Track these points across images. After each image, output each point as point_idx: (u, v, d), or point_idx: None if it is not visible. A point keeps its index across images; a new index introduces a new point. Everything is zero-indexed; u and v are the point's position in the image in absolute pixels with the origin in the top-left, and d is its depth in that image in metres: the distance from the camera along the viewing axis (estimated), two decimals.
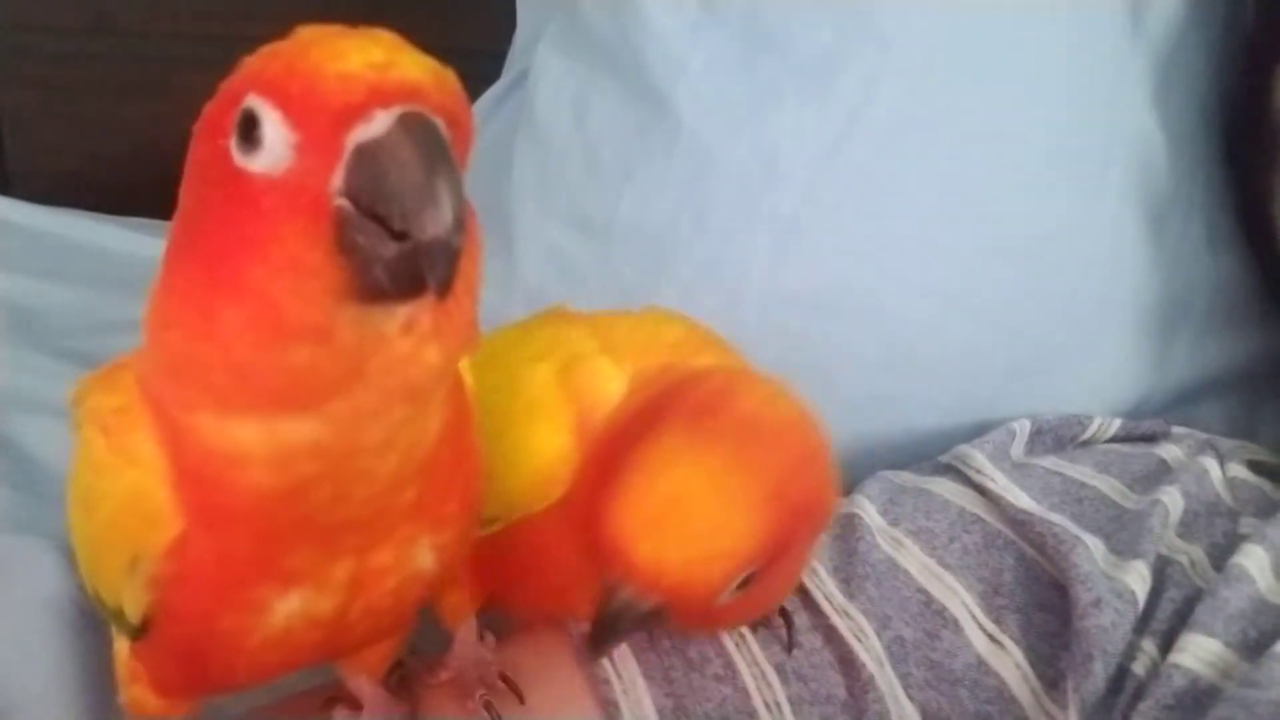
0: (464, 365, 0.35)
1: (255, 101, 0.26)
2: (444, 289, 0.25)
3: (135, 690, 0.36)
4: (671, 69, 0.63)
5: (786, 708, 0.42)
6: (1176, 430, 0.58)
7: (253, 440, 0.28)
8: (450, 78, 0.27)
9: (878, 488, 0.52)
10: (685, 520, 0.32)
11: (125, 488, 0.31)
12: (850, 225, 0.60)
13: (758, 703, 0.42)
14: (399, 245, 0.25)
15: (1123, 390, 0.62)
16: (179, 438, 0.29)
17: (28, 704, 0.49)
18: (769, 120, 0.61)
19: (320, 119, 0.25)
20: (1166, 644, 0.40)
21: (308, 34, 0.27)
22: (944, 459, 0.56)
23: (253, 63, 0.27)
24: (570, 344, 0.42)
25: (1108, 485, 0.50)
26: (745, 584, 0.34)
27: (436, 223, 0.24)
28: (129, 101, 1.14)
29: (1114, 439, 0.58)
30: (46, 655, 0.50)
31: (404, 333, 0.27)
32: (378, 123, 0.25)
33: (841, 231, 0.60)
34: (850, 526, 0.49)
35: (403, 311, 0.27)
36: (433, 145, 0.25)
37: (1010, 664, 0.42)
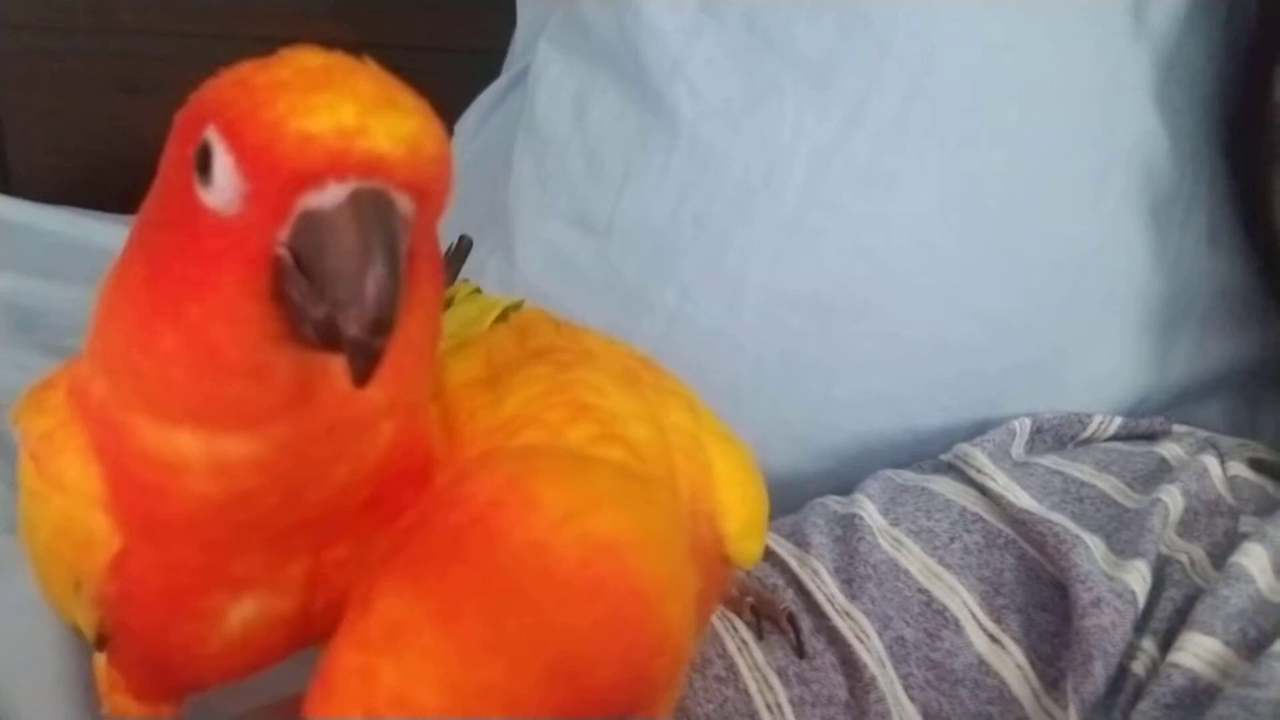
0: None
1: (213, 135, 0.24)
2: (361, 382, 0.24)
3: (116, 699, 0.36)
4: (670, 68, 0.63)
5: (788, 709, 0.42)
6: (1177, 428, 0.58)
7: (191, 450, 0.27)
8: (428, 141, 0.25)
9: (878, 487, 0.52)
10: None
11: (55, 514, 0.30)
12: (850, 225, 0.60)
13: (759, 704, 0.42)
14: (327, 310, 0.24)
15: (1123, 388, 0.62)
16: (117, 443, 0.29)
17: (31, 707, 0.49)
18: (769, 120, 0.61)
19: (272, 178, 0.24)
20: (1166, 643, 0.40)
21: (287, 70, 0.25)
22: (945, 458, 0.56)
23: (226, 84, 0.25)
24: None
25: (1108, 484, 0.50)
26: None
27: (360, 322, 0.23)
28: (130, 100, 1.15)
29: (1114, 437, 0.58)
30: (50, 657, 0.50)
31: (345, 371, 0.25)
32: (329, 194, 0.24)
33: (841, 231, 0.60)
34: (851, 527, 0.49)
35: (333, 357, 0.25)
36: (375, 234, 0.23)
37: (1011, 664, 0.42)
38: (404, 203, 0.24)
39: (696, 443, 0.36)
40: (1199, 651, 0.39)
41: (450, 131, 0.31)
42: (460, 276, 0.53)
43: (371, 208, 0.24)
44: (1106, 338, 0.61)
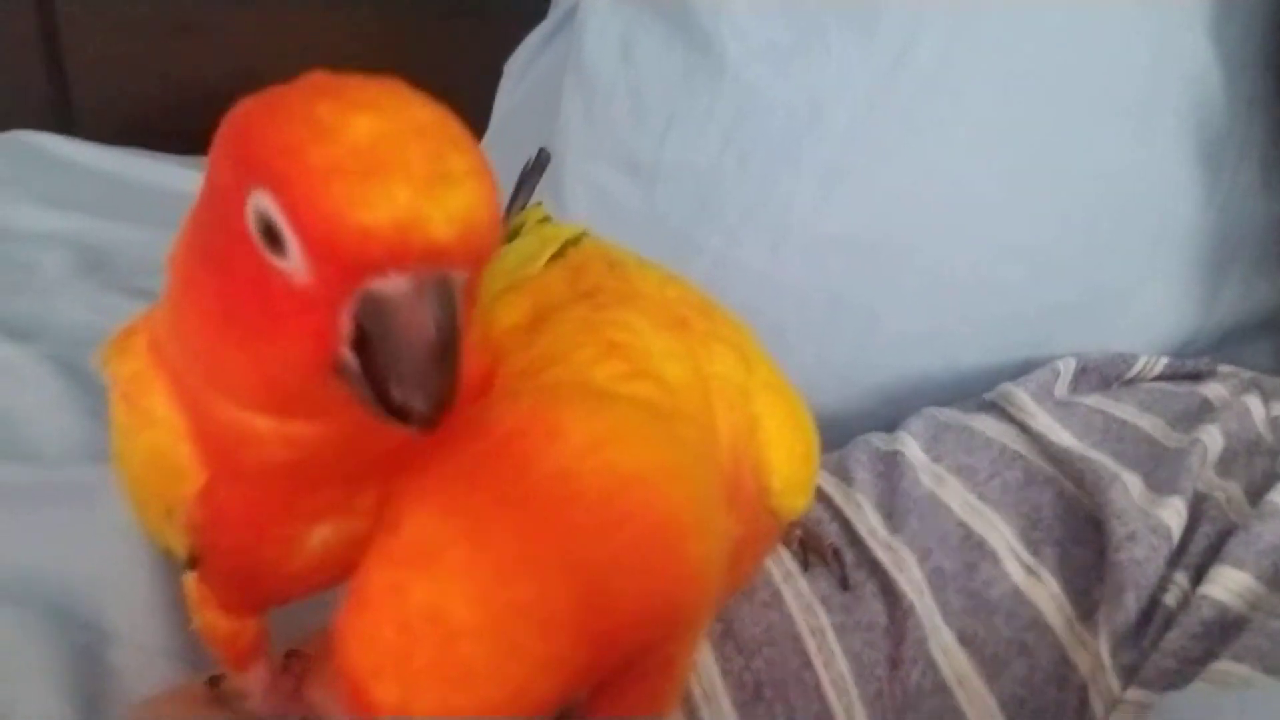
0: None
1: (273, 210, 0.25)
2: (430, 431, 0.25)
3: (206, 614, 0.39)
4: (716, 10, 0.63)
5: (830, 633, 0.44)
6: (1222, 369, 0.58)
7: (264, 429, 0.29)
8: (481, 212, 0.25)
9: (921, 425, 0.53)
10: (445, 651, 0.23)
11: (147, 447, 0.32)
12: (894, 167, 0.61)
13: (802, 628, 0.44)
14: (394, 386, 0.25)
15: (1170, 329, 0.62)
16: (196, 407, 0.31)
17: (127, 625, 0.52)
18: (814, 62, 0.61)
19: (336, 266, 0.24)
20: (1198, 576, 0.41)
21: (339, 149, 0.24)
22: (988, 397, 0.57)
23: (275, 150, 0.25)
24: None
25: (1149, 424, 0.51)
26: (565, 715, 0.25)
27: (426, 403, 0.25)
28: (188, 42, 1.16)
29: (1160, 377, 0.59)
30: (139, 575, 0.54)
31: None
32: (392, 282, 0.24)
33: (886, 173, 0.61)
34: (894, 463, 0.50)
35: None
36: (438, 320, 0.24)
37: (1046, 595, 0.44)
38: (461, 276, 0.25)
39: (744, 394, 0.37)
40: (1229, 584, 0.40)
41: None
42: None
43: (434, 295, 0.24)
44: (1153, 279, 0.62)
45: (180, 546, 0.34)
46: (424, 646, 0.23)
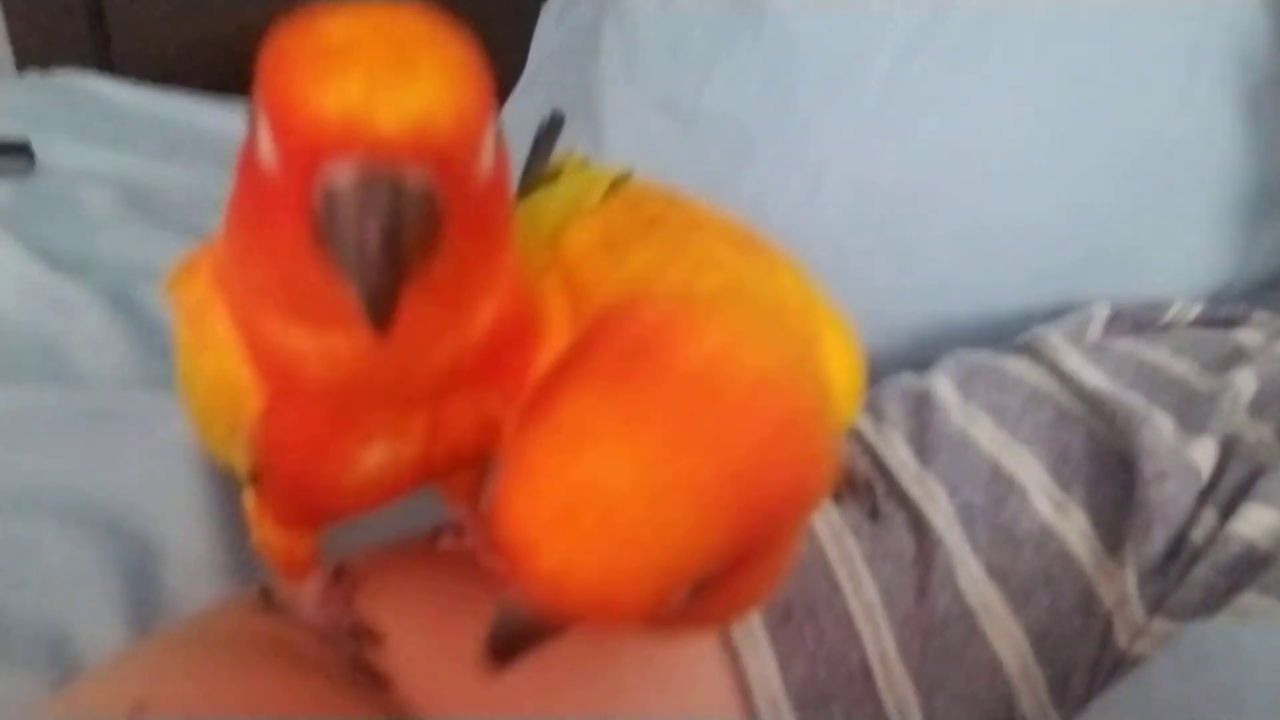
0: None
1: (257, 99, 0.26)
2: (380, 333, 0.26)
3: (263, 529, 0.40)
4: None
5: (859, 560, 0.45)
6: (1257, 315, 0.58)
7: (307, 344, 0.30)
8: (441, 113, 0.25)
9: (954, 365, 0.54)
10: (605, 518, 0.24)
11: (210, 369, 0.34)
12: (935, 113, 0.60)
13: (832, 555, 0.45)
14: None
15: (1206, 275, 0.62)
16: (251, 329, 0.32)
17: (178, 542, 0.54)
18: (856, 7, 0.61)
19: (291, 151, 0.25)
20: (1227, 514, 0.42)
21: (316, 37, 0.25)
22: (1020, 340, 0.57)
23: (274, 46, 0.26)
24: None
25: (1183, 367, 0.52)
26: (700, 591, 0.26)
27: (362, 298, 0.25)
28: None
29: (1193, 323, 0.59)
30: (189, 494, 0.56)
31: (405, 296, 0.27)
32: (341, 172, 0.24)
33: (926, 119, 0.61)
34: (926, 401, 0.51)
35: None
36: (378, 213, 0.24)
37: (1074, 529, 0.44)
38: (418, 175, 0.25)
39: (809, 306, 0.38)
40: (1257, 521, 0.40)
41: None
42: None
43: (373, 189, 0.24)
44: (1191, 225, 0.62)
45: (242, 464, 0.36)
46: (587, 515, 0.24)
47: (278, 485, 0.37)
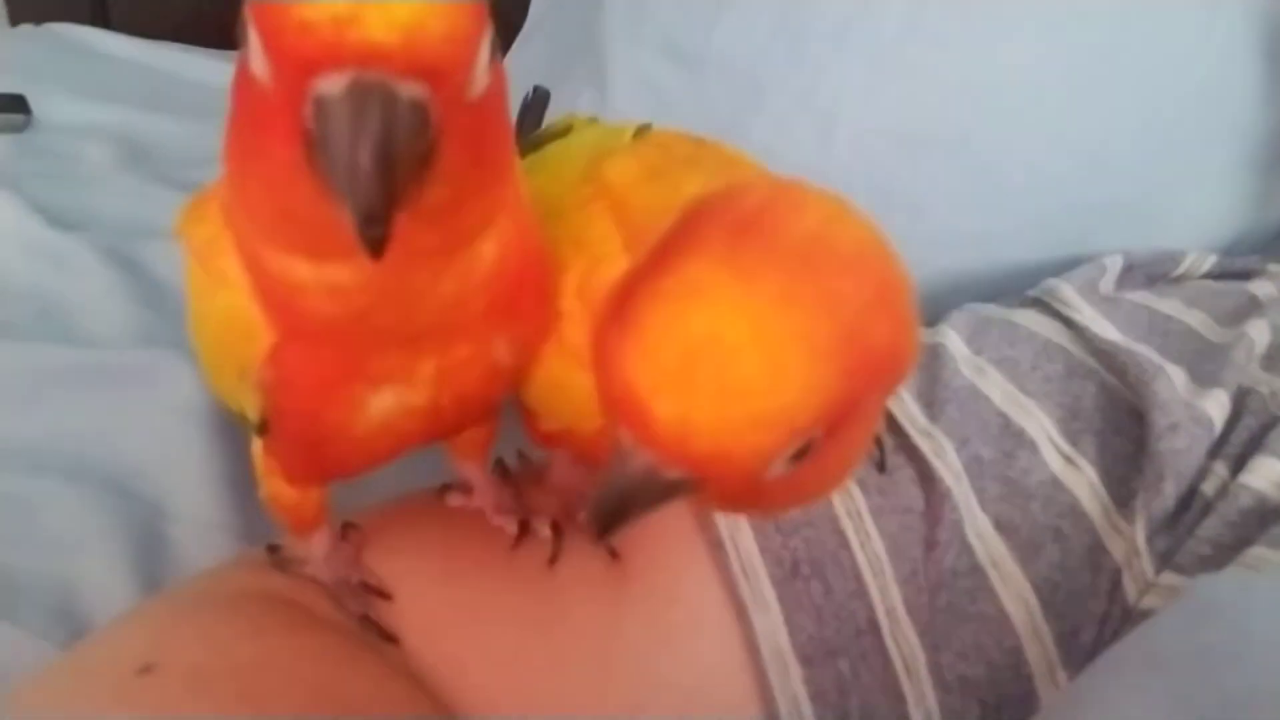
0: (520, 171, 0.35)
1: (248, 19, 0.25)
2: (374, 256, 0.25)
3: (271, 483, 0.40)
4: None
5: (867, 516, 0.45)
6: (1272, 267, 0.57)
7: (306, 276, 0.30)
8: (432, 22, 0.24)
9: (964, 319, 0.53)
10: (722, 369, 0.25)
11: (221, 308, 0.33)
12: (949, 57, 0.59)
13: (839, 510, 0.45)
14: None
15: (1220, 227, 0.61)
16: (256, 265, 0.32)
17: (184, 500, 0.54)
18: None
19: (283, 63, 0.25)
20: (1238, 467, 0.41)
21: None
22: (1032, 293, 0.56)
23: None
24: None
25: (1195, 319, 0.51)
26: (801, 455, 0.27)
27: (354, 212, 0.25)
28: None
29: (1207, 275, 0.58)
30: (195, 453, 0.56)
31: (402, 221, 0.26)
32: (332, 82, 0.24)
33: (940, 64, 0.59)
34: (935, 355, 0.50)
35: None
36: (370, 123, 0.24)
37: (1083, 482, 0.44)
38: (410, 88, 0.25)
39: None
40: (1268, 474, 0.40)
41: None
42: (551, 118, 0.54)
43: (365, 100, 0.24)
44: (1206, 175, 0.61)
45: (252, 409, 0.35)
46: (703, 365, 0.25)
47: (286, 432, 0.36)
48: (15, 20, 1.26)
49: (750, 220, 0.26)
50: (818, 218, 0.27)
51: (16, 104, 0.93)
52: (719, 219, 0.27)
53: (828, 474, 0.31)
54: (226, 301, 0.33)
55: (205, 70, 1.07)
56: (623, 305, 0.26)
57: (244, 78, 0.27)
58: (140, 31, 1.17)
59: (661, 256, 0.27)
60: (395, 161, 0.25)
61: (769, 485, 0.28)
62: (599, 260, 0.36)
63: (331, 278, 0.30)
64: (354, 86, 0.24)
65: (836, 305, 0.25)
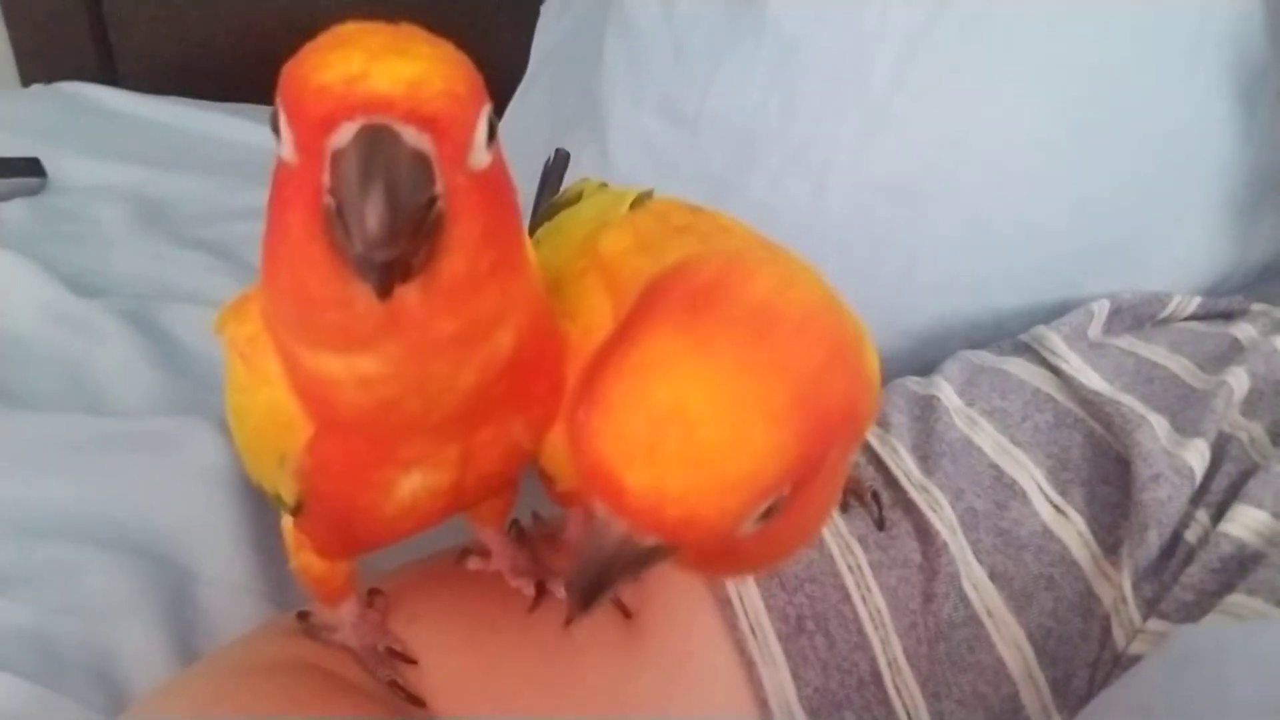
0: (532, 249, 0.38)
1: (278, 100, 0.28)
2: (382, 295, 0.28)
3: (302, 557, 0.43)
4: None
5: (868, 571, 0.47)
6: (1255, 307, 0.59)
7: (337, 370, 0.32)
8: (433, 79, 0.27)
9: (956, 368, 0.55)
10: (688, 438, 0.26)
11: (264, 403, 0.36)
12: (937, 110, 0.61)
13: (841, 565, 0.47)
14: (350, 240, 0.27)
15: (1205, 267, 0.63)
16: (290, 361, 0.34)
17: (213, 565, 0.56)
18: (856, 6, 0.61)
19: (304, 127, 0.28)
20: (1219, 514, 0.43)
21: (328, 37, 0.28)
22: (1022, 338, 0.58)
23: (288, 66, 0.29)
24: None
25: (1179, 365, 0.53)
26: (769, 513, 0.28)
27: (361, 240, 0.26)
28: None
29: (1192, 316, 0.60)
30: (221, 517, 0.58)
31: (419, 301, 0.29)
32: (343, 133, 0.27)
33: (929, 117, 0.61)
34: (929, 407, 0.52)
35: (412, 286, 0.29)
36: (376, 160, 0.27)
37: (1073, 531, 0.46)
38: (412, 134, 0.27)
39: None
40: (1248, 522, 0.42)
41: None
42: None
43: (372, 137, 0.27)
44: (1190, 217, 0.62)
45: (289, 493, 0.38)
46: (670, 436, 0.26)
47: (321, 514, 0.39)
48: (26, 80, 1.29)
49: (704, 292, 0.28)
50: (768, 286, 0.28)
51: (32, 167, 0.95)
52: (675, 292, 0.28)
53: (798, 528, 0.33)
54: (268, 397, 0.35)
55: (213, 124, 1.09)
56: (591, 381, 0.28)
57: (276, 175, 0.29)
58: (147, 83, 1.20)
59: (624, 331, 0.28)
60: (400, 197, 0.27)
61: (742, 544, 0.29)
62: (591, 331, 0.38)
63: (360, 370, 0.32)
64: (362, 131, 0.27)
65: (790, 369, 0.27)
